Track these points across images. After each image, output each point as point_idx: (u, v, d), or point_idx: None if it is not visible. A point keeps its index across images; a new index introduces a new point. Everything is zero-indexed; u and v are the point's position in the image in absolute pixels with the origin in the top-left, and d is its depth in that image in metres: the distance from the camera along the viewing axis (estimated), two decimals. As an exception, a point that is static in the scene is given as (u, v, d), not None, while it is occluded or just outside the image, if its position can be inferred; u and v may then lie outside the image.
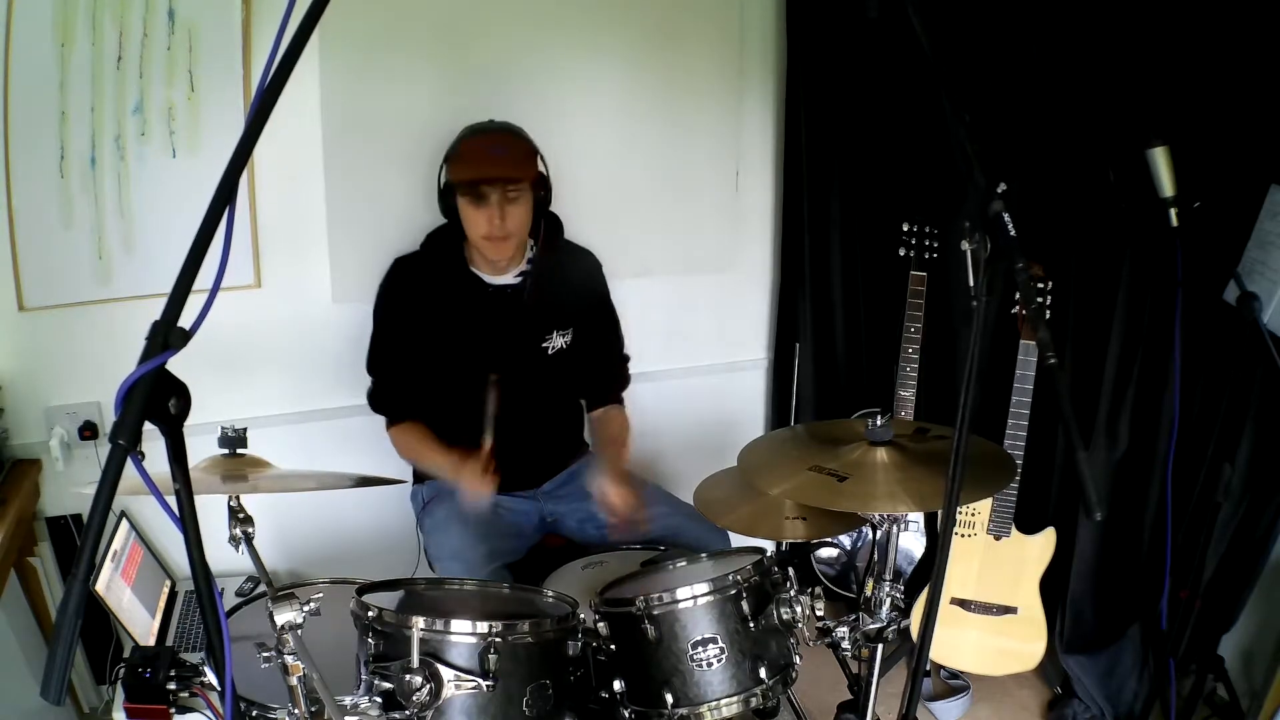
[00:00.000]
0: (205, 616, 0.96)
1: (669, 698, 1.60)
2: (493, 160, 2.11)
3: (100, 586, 1.99)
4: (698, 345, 2.99)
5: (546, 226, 2.29)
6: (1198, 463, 2.36)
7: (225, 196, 0.88)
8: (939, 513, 1.94)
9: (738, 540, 2.12)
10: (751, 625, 1.62)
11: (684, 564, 1.87)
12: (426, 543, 2.25)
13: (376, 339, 2.27)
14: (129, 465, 0.80)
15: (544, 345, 2.33)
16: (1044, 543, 2.47)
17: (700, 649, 1.59)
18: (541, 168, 2.22)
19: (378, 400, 2.30)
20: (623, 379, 2.51)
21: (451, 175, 2.15)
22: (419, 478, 2.37)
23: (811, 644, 1.74)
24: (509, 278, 2.26)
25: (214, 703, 1.65)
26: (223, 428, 1.55)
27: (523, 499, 2.34)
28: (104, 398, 2.29)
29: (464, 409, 2.20)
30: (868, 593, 1.73)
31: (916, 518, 2.79)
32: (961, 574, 2.50)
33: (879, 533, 1.73)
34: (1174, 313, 2.27)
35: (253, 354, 2.41)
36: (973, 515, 2.48)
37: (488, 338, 2.25)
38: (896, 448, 1.68)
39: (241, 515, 1.47)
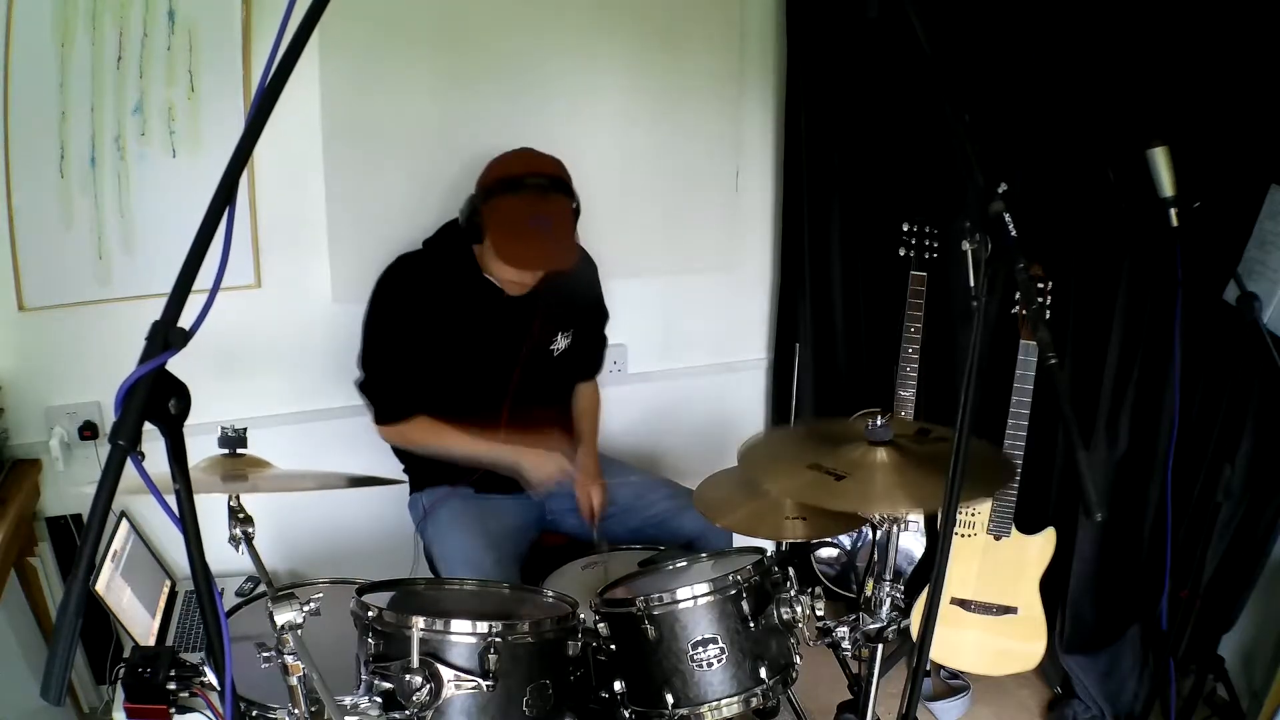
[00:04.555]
0: (205, 616, 0.96)
1: (669, 698, 1.60)
2: (543, 252, 2.06)
3: (100, 586, 1.99)
4: (698, 345, 2.99)
5: None
6: (1198, 463, 2.36)
7: (225, 196, 0.88)
8: (939, 513, 1.94)
9: (738, 540, 2.13)
10: (751, 625, 1.62)
11: (684, 564, 1.87)
12: (431, 550, 2.25)
13: (376, 337, 2.21)
14: (129, 465, 0.80)
15: (552, 348, 2.34)
16: (1044, 543, 2.47)
17: (700, 649, 1.59)
18: (577, 204, 2.14)
19: (377, 396, 2.24)
20: (602, 360, 2.58)
21: (495, 246, 2.05)
22: (417, 485, 2.35)
23: (811, 644, 1.74)
24: None
25: (214, 703, 1.65)
26: (223, 428, 1.55)
27: (524, 498, 2.34)
28: (104, 398, 2.29)
29: (472, 412, 2.22)
30: (868, 593, 1.73)
31: (916, 517, 2.79)
32: (961, 574, 2.50)
33: (879, 533, 1.73)
34: (1174, 313, 2.27)
35: (253, 354, 2.41)
36: (973, 515, 2.48)
37: (501, 344, 2.25)
38: (896, 448, 1.68)
39: (241, 515, 1.48)
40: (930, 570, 1.21)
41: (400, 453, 2.38)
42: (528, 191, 2.05)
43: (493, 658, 1.45)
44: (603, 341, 2.56)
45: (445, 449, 2.22)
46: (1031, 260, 2.00)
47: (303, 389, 2.51)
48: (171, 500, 0.90)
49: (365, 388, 2.24)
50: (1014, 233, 1.08)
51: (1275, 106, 2.06)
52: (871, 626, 1.72)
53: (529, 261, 2.09)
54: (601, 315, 2.53)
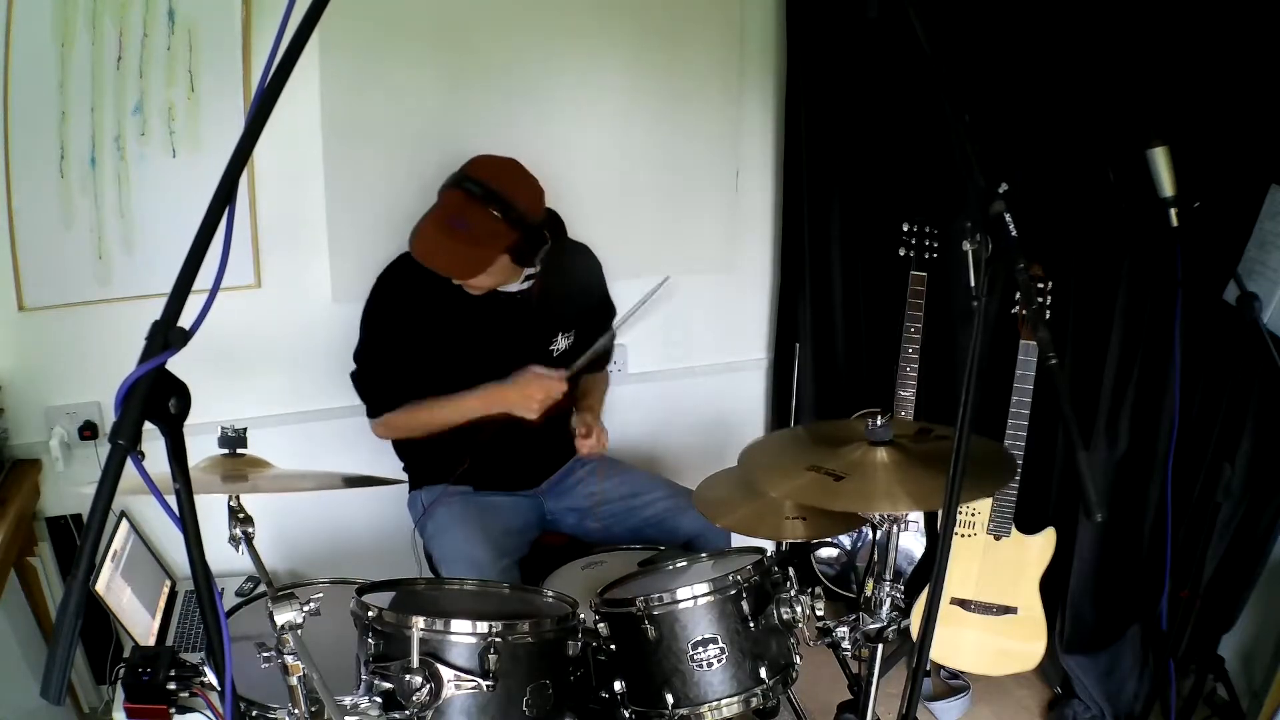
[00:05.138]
0: (205, 616, 0.96)
1: (669, 698, 1.60)
2: (440, 252, 2.02)
3: (100, 586, 1.99)
4: (698, 345, 2.99)
5: (551, 238, 2.18)
6: (1198, 463, 2.36)
7: (225, 196, 0.88)
8: (939, 513, 1.95)
9: (738, 540, 2.13)
10: (751, 625, 1.62)
11: (684, 564, 1.87)
12: (431, 547, 2.25)
13: (373, 332, 2.21)
14: (129, 465, 0.80)
15: (551, 349, 2.33)
16: (1044, 543, 2.47)
17: (700, 649, 1.60)
18: (523, 225, 2.04)
19: (368, 388, 2.24)
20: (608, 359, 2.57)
21: (411, 233, 2.04)
22: (416, 482, 2.35)
23: (811, 644, 1.74)
24: (516, 284, 2.21)
25: (214, 703, 1.65)
26: (223, 428, 1.55)
27: (523, 497, 2.35)
28: (104, 398, 2.29)
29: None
30: (868, 593, 1.73)
31: (916, 517, 2.79)
32: (961, 574, 2.50)
33: (879, 533, 1.73)
34: (1174, 313, 2.27)
35: (253, 354, 2.41)
36: (973, 515, 2.48)
37: (497, 344, 2.23)
38: (896, 448, 1.68)
39: (241, 515, 1.48)
40: (930, 570, 1.21)
41: (400, 449, 2.38)
42: (460, 192, 2.03)
43: (493, 658, 1.45)
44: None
45: (436, 420, 2.19)
46: (1031, 260, 2.01)
47: (302, 389, 2.51)
48: (171, 500, 0.90)
49: (358, 380, 2.24)
50: (1014, 233, 1.08)
51: (1275, 106, 2.06)
52: (871, 626, 1.72)
53: (425, 255, 2.03)
54: (608, 314, 2.50)
